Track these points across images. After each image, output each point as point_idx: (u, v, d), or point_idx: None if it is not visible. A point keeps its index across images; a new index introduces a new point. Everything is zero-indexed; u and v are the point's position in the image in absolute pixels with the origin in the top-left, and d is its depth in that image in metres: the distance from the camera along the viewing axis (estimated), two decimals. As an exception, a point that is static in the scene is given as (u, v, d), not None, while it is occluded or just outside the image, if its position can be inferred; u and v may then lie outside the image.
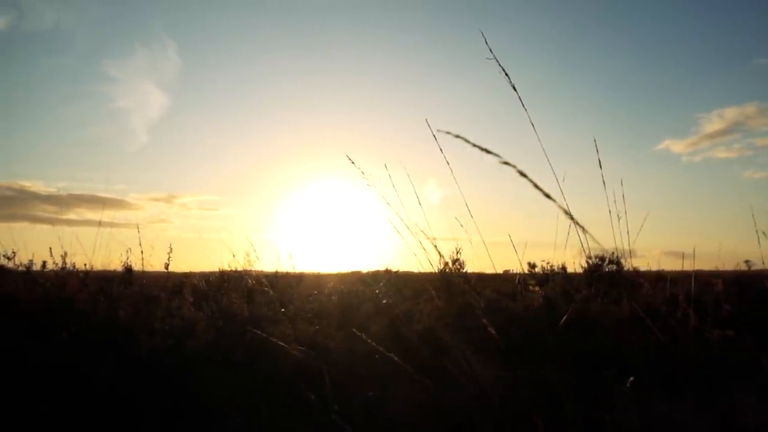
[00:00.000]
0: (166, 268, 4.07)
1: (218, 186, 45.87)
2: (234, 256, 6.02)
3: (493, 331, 2.07)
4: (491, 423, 2.52)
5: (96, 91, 50.36)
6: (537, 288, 4.62)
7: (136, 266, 4.36)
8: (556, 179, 2.04)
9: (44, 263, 4.26)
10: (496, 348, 3.11)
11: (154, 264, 5.73)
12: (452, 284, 4.67)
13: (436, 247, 2.35)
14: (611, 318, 3.89)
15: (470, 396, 2.68)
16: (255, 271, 6.47)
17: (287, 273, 6.39)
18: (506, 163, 0.90)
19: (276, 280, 5.31)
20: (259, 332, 2.98)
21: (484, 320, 2.07)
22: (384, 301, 3.76)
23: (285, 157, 51.50)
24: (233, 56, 58.12)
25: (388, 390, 2.88)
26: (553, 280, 4.58)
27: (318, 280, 7.16)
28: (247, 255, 6.29)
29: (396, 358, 2.32)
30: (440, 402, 2.78)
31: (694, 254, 2.89)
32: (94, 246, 4.47)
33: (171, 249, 4.17)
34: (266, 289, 3.66)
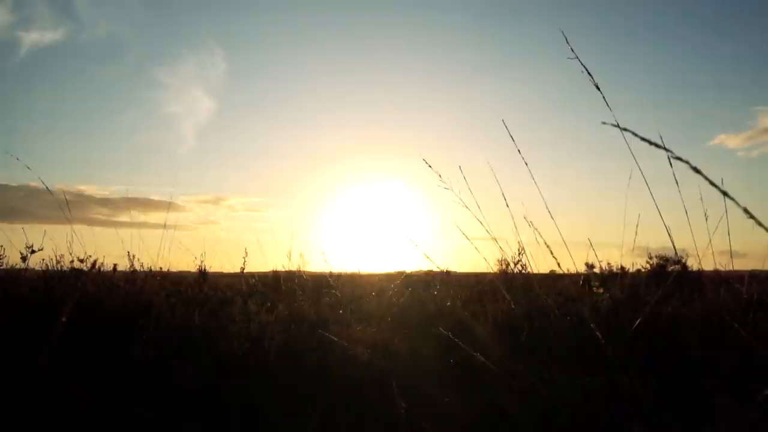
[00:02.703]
0: (242, 271, 4.15)
1: (264, 188, 46.76)
2: (289, 257, 6.09)
3: (600, 336, 2.00)
4: None
5: (147, 98, 52.16)
6: (601, 289, 4.49)
7: (210, 269, 4.50)
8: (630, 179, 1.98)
9: (115, 266, 4.39)
10: (574, 351, 3.03)
11: (213, 264, 5.85)
12: (514, 285, 4.59)
13: (522, 248, 2.30)
14: (684, 320, 3.75)
15: (549, 403, 2.62)
16: (307, 271, 6.53)
17: (340, 274, 6.42)
18: (678, 158, 0.86)
19: (331, 280, 5.33)
20: (328, 335, 3.00)
21: (592, 325, 1.99)
22: (447, 303, 3.72)
23: (328, 158, 52.07)
24: (277, 61, 59.11)
25: (463, 395, 2.84)
26: (621, 281, 4.44)
27: (369, 280, 7.17)
28: (301, 256, 6.35)
29: (483, 358, 2.28)
30: (518, 408, 2.72)
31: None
32: (159, 248, 4.60)
33: (246, 253, 4.26)
34: (334, 291, 3.68)
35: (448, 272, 5.98)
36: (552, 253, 2.22)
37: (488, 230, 2.40)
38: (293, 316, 3.19)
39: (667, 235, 2.31)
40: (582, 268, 6.10)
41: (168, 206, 4.75)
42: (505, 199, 2.42)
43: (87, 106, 52.68)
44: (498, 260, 6.52)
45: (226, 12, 56.22)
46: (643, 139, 0.90)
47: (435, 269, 6.55)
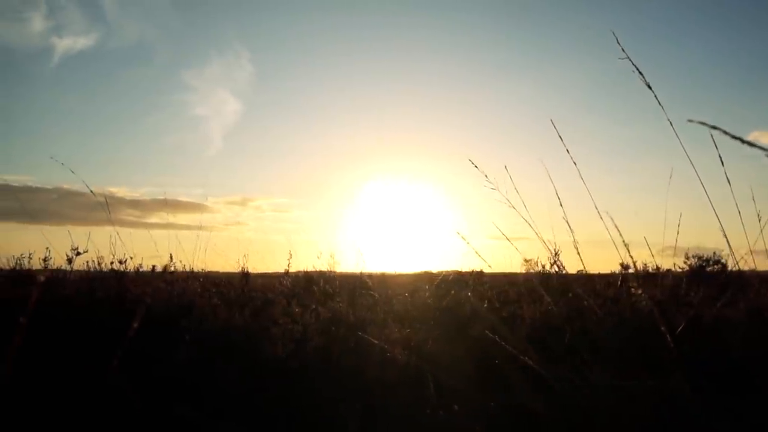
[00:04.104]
0: (286, 272, 4.20)
1: (290, 188, 47.20)
2: (319, 257, 6.13)
3: (669, 338, 1.96)
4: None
5: (175, 100, 53.20)
6: (640, 290, 4.40)
7: (253, 269, 4.56)
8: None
9: (153, 267, 4.47)
10: (617, 353, 2.98)
11: (246, 265, 5.91)
12: (551, 286, 4.53)
13: (577, 249, 2.27)
14: (730, 321, 3.65)
15: (592, 404, 2.58)
16: (337, 272, 6.55)
17: (371, 274, 6.42)
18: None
19: (362, 281, 5.34)
20: (367, 337, 3.00)
21: (673, 330, 1.95)
22: (485, 304, 3.69)
23: (353, 159, 52.26)
24: (302, 63, 59.59)
25: (503, 395, 2.81)
26: (661, 282, 4.34)
27: (398, 280, 7.16)
28: (332, 256, 6.38)
29: (525, 359, 2.25)
30: (559, 409, 2.68)
31: None
32: (195, 249, 4.70)
33: (291, 256, 4.31)
34: (371, 293, 3.68)
35: (481, 272, 5.93)
36: (629, 250, 2.20)
37: (537, 232, 2.38)
38: (334, 317, 3.21)
39: (702, 235, 2.27)
40: (615, 268, 5.99)
41: (202, 208, 4.83)
42: (558, 198, 2.40)
43: (116, 109, 53.94)
44: (526, 260, 6.45)
45: (251, 14, 56.98)
46: (734, 137, 0.87)
47: (464, 270, 6.51)
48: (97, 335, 2.79)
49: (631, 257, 2.24)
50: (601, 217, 2.30)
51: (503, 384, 2.97)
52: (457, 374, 3.10)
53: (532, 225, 2.38)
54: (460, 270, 6.77)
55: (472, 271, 5.98)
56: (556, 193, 2.40)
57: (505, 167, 2.43)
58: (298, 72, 59.35)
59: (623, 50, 1.88)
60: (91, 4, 49.93)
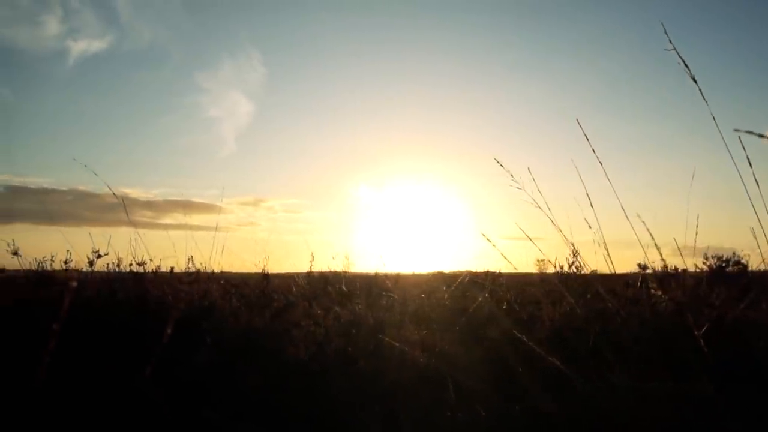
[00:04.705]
0: (309, 273, 4.23)
1: (301, 189, 47.50)
2: (334, 258, 6.13)
3: (701, 341, 1.94)
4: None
5: (188, 102, 53.73)
6: (660, 291, 4.34)
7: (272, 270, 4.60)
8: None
9: (172, 268, 4.50)
10: (639, 355, 2.95)
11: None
12: (569, 287, 4.49)
13: (606, 249, 2.25)
14: (752, 323, 3.60)
15: (613, 405, 2.56)
16: (351, 272, 6.55)
17: (386, 275, 6.40)
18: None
19: (377, 282, 5.34)
20: (388, 339, 2.99)
21: (696, 332, 1.93)
22: (504, 306, 3.67)
23: (363, 160, 52.42)
24: (313, 64, 59.85)
25: (524, 397, 2.80)
26: (683, 283, 4.28)
27: (412, 281, 7.14)
28: (347, 257, 6.38)
29: (548, 360, 2.23)
30: (581, 409, 2.65)
31: None
32: (211, 250, 4.71)
33: (313, 257, 4.34)
34: (390, 294, 3.68)
35: (499, 273, 5.90)
36: (660, 252, 2.19)
37: (562, 232, 2.36)
38: (354, 319, 3.20)
39: (718, 234, 2.25)
40: (630, 268, 5.93)
41: (215, 209, 4.85)
42: (589, 199, 2.38)
43: (130, 110, 54.70)
44: (539, 261, 6.41)
45: (263, 16, 57.39)
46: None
47: (477, 270, 6.48)
48: (119, 336, 2.81)
49: (663, 260, 2.21)
50: (628, 218, 2.28)
51: (523, 386, 2.95)
52: (476, 376, 3.09)
53: (556, 225, 2.36)
54: (473, 270, 6.73)
55: (488, 272, 5.95)
56: (587, 194, 2.39)
57: (528, 169, 2.42)
58: (309, 73, 59.65)
59: (670, 41, 1.86)
60: (105, 7, 50.58)
